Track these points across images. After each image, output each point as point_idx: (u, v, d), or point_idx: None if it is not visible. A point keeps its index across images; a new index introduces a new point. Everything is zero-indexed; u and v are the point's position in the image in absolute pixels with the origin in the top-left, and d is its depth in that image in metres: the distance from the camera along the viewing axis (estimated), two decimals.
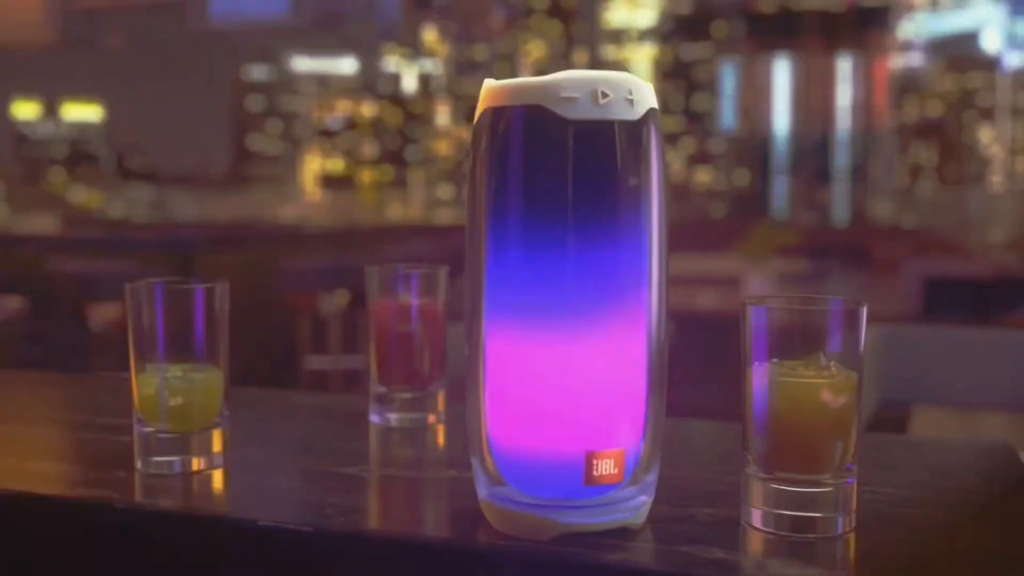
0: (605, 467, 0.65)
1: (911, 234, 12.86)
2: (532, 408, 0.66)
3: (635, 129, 0.65)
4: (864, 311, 0.68)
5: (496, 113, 0.65)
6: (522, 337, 0.66)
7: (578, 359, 0.65)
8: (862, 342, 0.68)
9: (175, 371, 0.82)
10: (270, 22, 4.80)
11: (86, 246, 5.22)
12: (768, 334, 0.68)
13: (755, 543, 0.66)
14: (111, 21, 6.38)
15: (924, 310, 5.96)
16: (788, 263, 7.42)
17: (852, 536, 0.67)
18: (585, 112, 0.63)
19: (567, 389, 0.65)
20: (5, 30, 5.24)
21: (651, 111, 0.66)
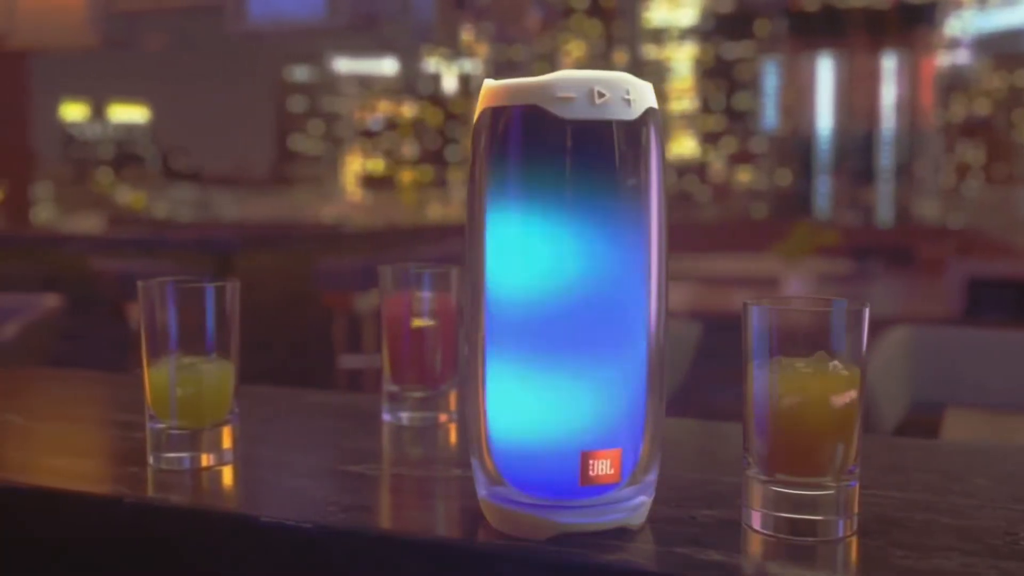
0: (601, 467, 0.65)
1: (956, 234, 12.65)
2: (530, 408, 0.66)
3: (633, 129, 0.64)
4: (867, 312, 0.67)
5: (495, 113, 0.66)
6: (520, 336, 0.66)
7: (576, 359, 0.65)
8: (864, 343, 0.67)
9: (186, 369, 0.83)
10: (306, 23, 4.85)
11: (127, 246, 5.30)
12: (769, 335, 0.67)
13: (754, 545, 0.66)
14: (153, 23, 6.49)
15: (967, 311, 5.87)
16: (829, 263, 7.33)
17: (854, 540, 0.66)
18: (582, 112, 0.63)
19: (564, 389, 0.65)
20: (49, 33, 5.35)
21: (650, 111, 0.66)
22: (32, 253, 5.12)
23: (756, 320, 0.68)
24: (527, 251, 0.65)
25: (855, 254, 8.84)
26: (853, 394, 0.67)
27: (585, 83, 0.63)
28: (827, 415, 0.66)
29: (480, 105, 0.67)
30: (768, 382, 0.67)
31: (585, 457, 0.65)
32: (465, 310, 0.69)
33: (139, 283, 0.83)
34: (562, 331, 0.65)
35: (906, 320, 3.12)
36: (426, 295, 0.99)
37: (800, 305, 0.70)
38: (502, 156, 0.65)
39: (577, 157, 0.63)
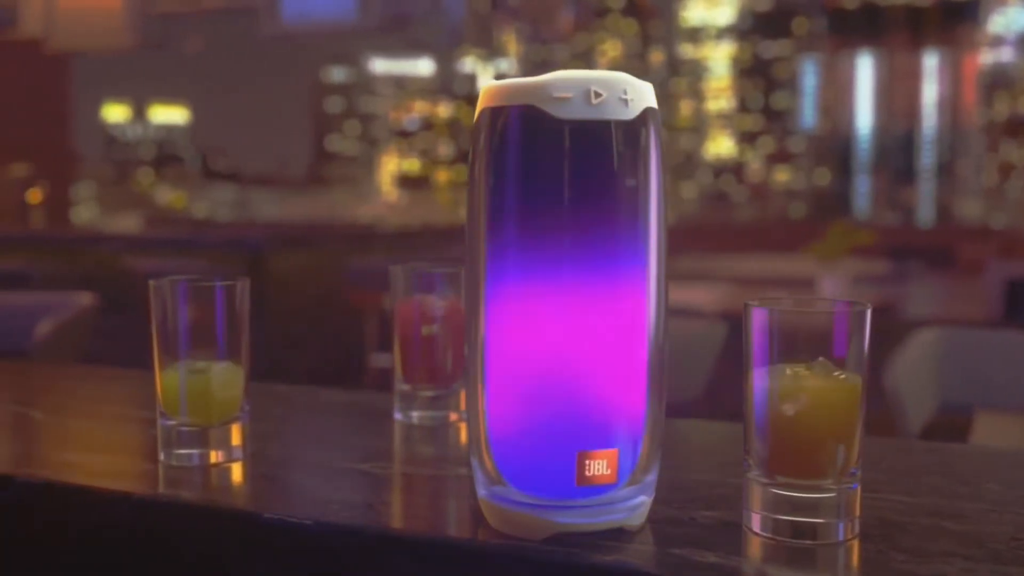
0: (598, 467, 0.65)
1: (997, 235, 12.45)
2: (528, 407, 0.66)
3: (631, 129, 0.64)
4: (869, 313, 0.66)
5: (493, 113, 0.66)
6: (520, 336, 0.66)
7: (574, 359, 0.65)
8: (867, 345, 0.66)
9: (196, 366, 0.84)
10: (338, 24, 4.89)
11: (162, 245, 5.37)
12: (770, 336, 0.67)
13: (753, 548, 0.65)
14: (189, 26, 6.57)
15: (1006, 314, 5.77)
16: (866, 264, 7.23)
17: (854, 543, 0.65)
18: (578, 112, 0.63)
19: (562, 389, 0.65)
20: (88, 35, 5.44)
21: (649, 111, 0.65)
22: (70, 252, 5.20)
23: (757, 321, 0.67)
24: (525, 251, 0.65)
25: (894, 255, 8.72)
26: (855, 396, 0.66)
27: (581, 83, 0.63)
28: (828, 418, 0.66)
29: (479, 105, 0.67)
30: (768, 384, 0.66)
31: (582, 457, 0.65)
32: (466, 309, 0.70)
33: (151, 282, 0.85)
34: (561, 331, 0.65)
35: (944, 322, 3.07)
36: (437, 295, 0.99)
37: (802, 306, 0.69)
38: (500, 156, 0.65)
39: (574, 157, 0.63)
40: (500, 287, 0.66)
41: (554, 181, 0.63)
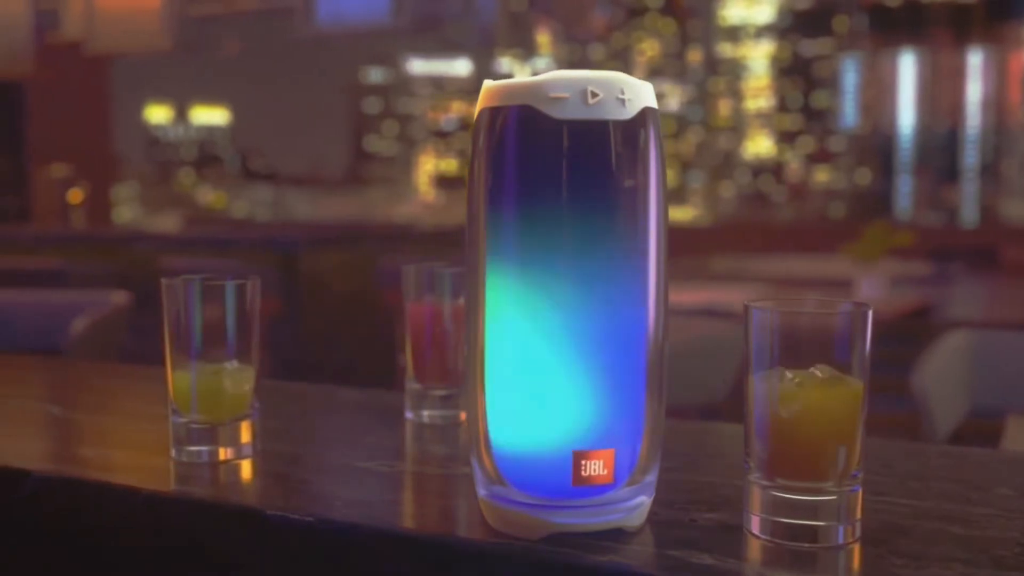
0: (594, 468, 0.65)
1: None
2: (526, 407, 0.66)
3: (629, 129, 0.64)
4: (870, 314, 0.65)
5: (492, 113, 0.66)
6: (518, 336, 0.66)
7: (572, 359, 0.65)
8: (868, 346, 0.66)
9: (207, 364, 0.85)
10: (371, 25, 4.92)
11: (198, 244, 5.44)
12: (771, 337, 0.66)
13: (752, 550, 0.65)
14: (225, 28, 6.65)
15: None
16: (905, 266, 7.12)
17: (855, 546, 0.65)
18: (575, 112, 0.63)
19: (560, 389, 0.65)
20: (126, 38, 5.52)
21: (647, 111, 0.65)
22: (108, 252, 5.29)
23: (757, 322, 0.67)
24: (524, 252, 0.65)
25: (936, 256, 8.58)
26: (856, 398, 0.65)
27: (578, 83, 0.63)
28: (828, 420, 0.65)
29: (479, 105, 0.68)
30: (768, 386, 0.66)
31: (577, 457, 0.65)
32: (466, 308, 0.70)
33: (163, 280, 0.86)
34: (559, 331, 0.65)
35: (977, 325, 3.01)
36: (448, 294, 0.99)
37: (802, 307, 0.68)
38: (499, 156, 0.65)
39: (570, 157, 0.63)
40: (499, 287, 0.66)
41: (551, 181, 0.64)
